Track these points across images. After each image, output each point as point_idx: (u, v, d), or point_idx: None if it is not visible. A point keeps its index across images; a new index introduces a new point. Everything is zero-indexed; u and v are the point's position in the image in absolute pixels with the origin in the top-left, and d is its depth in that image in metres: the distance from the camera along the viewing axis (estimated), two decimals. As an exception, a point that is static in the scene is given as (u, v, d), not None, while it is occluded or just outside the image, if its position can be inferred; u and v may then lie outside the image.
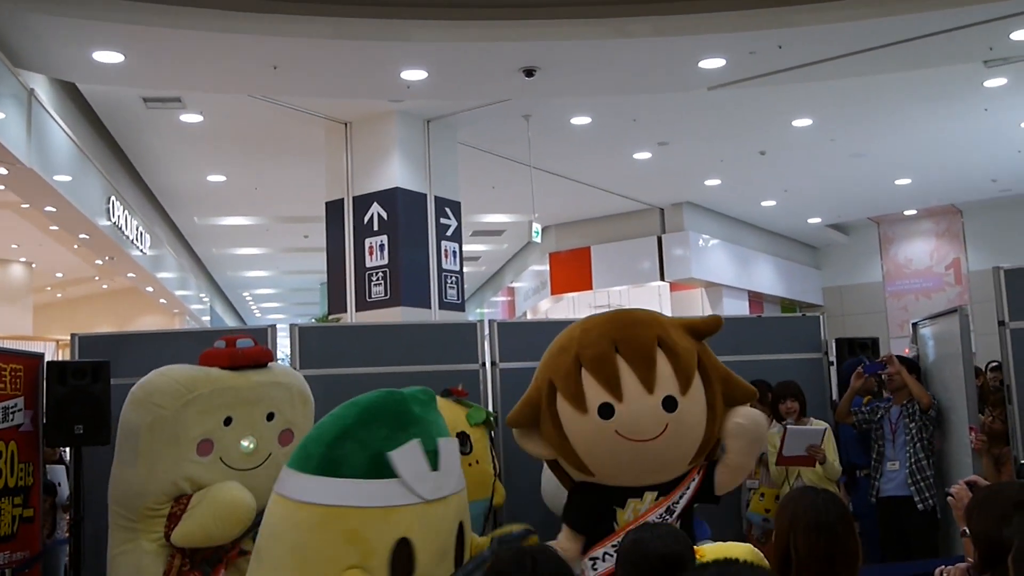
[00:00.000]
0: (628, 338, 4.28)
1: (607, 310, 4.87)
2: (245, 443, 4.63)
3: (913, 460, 6.03)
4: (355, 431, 3.71)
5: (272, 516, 3.61)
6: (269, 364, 4.93)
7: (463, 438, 5.41)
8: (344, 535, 3.52)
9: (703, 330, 4.47)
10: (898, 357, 6.45)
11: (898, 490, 6.09)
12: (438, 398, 3.80)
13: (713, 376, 4.35)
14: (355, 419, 3.76)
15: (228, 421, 4.61)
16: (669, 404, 4.18)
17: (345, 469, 3.59)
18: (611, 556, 4.22)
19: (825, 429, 5.98)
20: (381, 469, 3.53)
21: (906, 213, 18.65)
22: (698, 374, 4.28)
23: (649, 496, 4.30)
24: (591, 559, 4.24)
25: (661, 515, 4.25)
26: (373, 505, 3.53)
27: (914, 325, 6.86)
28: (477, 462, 5.52)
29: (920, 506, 5.96)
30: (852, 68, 8.99)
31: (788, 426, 5.88)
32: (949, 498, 3.22)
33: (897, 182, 15.47)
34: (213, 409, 4.58)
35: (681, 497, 4.32)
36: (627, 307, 5.05)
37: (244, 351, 4.79)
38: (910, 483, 6.00)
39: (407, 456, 3.52)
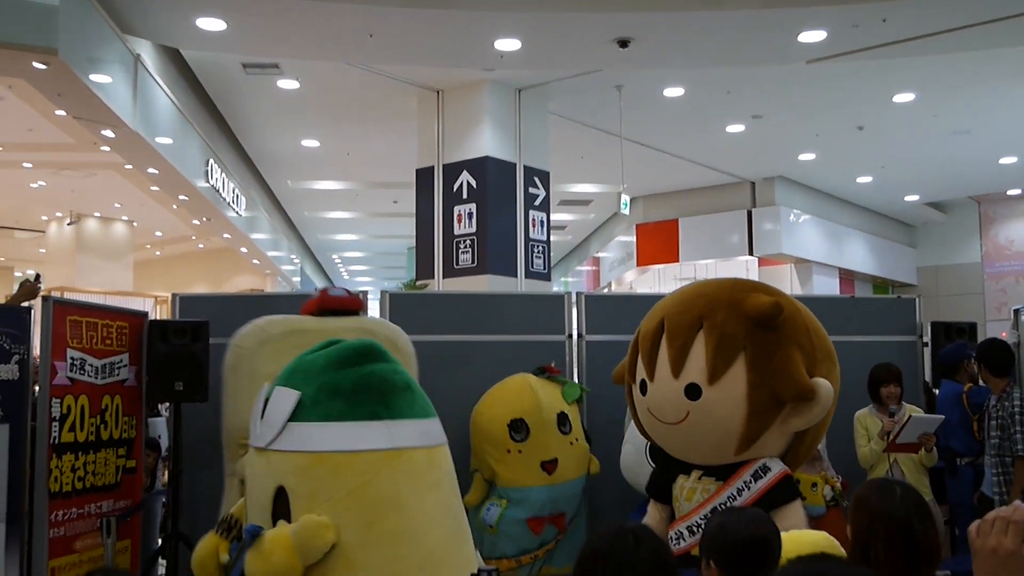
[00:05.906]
0: (672, 315, 4.19)
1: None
2: None
3: (1001, 471, 5.73)
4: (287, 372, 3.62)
5: None
6: (361, 315, 5.10)
7: (563, 418, 5.41)
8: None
9: (759, 318, 4.02)
10: (986, 342, 6.21)
11: (988, 489, 5.85)
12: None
13: (762, 370, 3.98)
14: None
15: None
16: (692, 392, 4.02)
17: None
18: (683, 536, 4.15)
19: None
20: None
21: (1009, 193, 17.95)
22: (744, 365, 3.99)
23: (695, 474, 4.23)
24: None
25: (723, 503, 4.09)
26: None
27: (1016, 311, 6.62)
28: (577, 440, 5.51)
29: None
30: (959, 43, 8.65)
31: (912, 415, 5.68)
32: None
33: (1001, 161, 14.89)
34: (288, 349, 4.65)
35: (740, 492, 4.09)
36: (716, 277, 4.85)
37: (332, 296, 5.01)
38: (995, 492, 5.72)
39: (259, 399, 3.49)
